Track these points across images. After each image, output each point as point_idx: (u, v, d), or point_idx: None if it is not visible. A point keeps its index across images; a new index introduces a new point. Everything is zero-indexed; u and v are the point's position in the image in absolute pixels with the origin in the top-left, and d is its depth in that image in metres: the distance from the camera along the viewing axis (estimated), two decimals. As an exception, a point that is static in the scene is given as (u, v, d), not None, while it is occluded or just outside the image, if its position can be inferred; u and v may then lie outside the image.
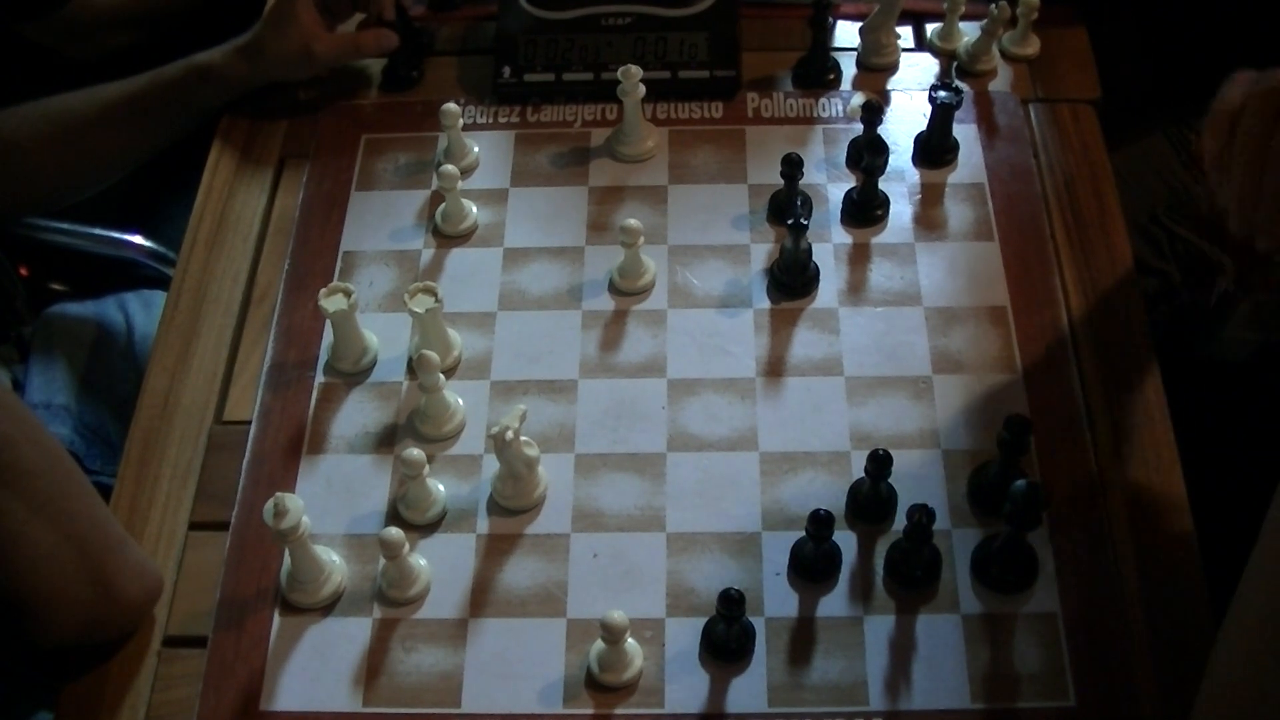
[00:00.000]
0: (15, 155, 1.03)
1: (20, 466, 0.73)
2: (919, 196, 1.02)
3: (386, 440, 0.91)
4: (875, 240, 1.00)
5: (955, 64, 1.12)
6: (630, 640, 0.79)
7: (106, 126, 1.05)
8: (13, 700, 0.94)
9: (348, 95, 1.12)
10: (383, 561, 0.82)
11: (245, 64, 1.07)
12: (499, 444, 0.82)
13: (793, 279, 0.96)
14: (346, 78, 1.13)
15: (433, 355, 0.86)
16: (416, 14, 1.16)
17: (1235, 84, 0.70)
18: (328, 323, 0.95)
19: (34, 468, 0.73)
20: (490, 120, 1.10)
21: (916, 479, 0.86)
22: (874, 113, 0.98)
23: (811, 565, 0.83)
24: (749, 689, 0.79)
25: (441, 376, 0.87)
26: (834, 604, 0.82)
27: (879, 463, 0.81)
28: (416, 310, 0.89)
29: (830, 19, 1.11)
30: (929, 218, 1.01)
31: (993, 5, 1.07)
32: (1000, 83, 1.10)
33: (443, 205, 1.01)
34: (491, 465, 0.88)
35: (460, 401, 0.91)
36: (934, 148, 1.04)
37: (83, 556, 0.77)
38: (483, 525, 0.87)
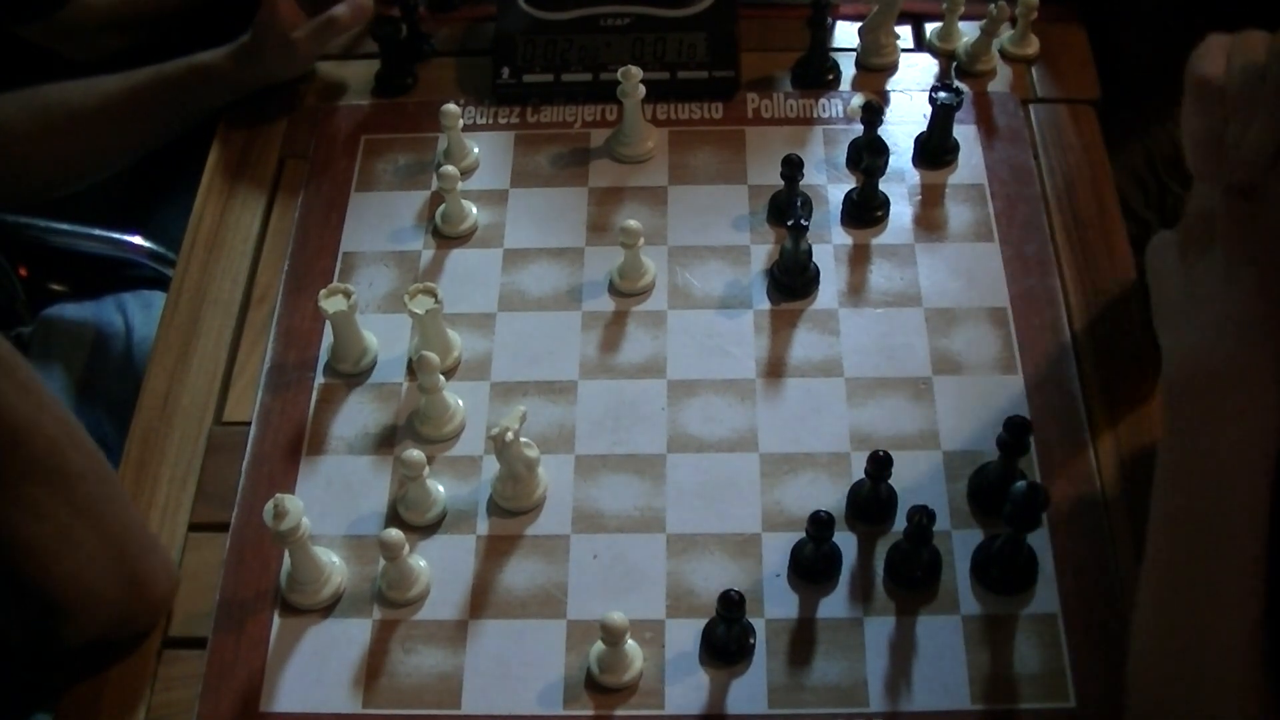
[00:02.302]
0: (9, 142, 1.02)
1: (67, 470, 0.73)
2: (919, 197, 1.02)
3: (386, 441, 0.91)
4: (875, 241, 1.00)
5: (954, 64, 1.12)
6: (630, 641, 0.79)
7: (104, 120, 1.05)
8: (13, 700, 0.94)
9: (347, 96, 1.12)
10: (382, 563, 0.82)
11: (240, 66, 1.07)
12: (499, 445, 0.82)
13: (793, 280, 0.96)
14: (346, 79, 1.13)
15: (433, 356, 0.86)
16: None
17: (1210, 54, 0.66)
18: (327, 324, 0.95)
19: (79, 471, 0.74)
20: (490, 121, 1.10)
21: (917, 480, 0.86)
22: (874, 113, 0.98)
23: (811, 566, 0.83)
24: (749, 690, 0.79)
25: (441, 377, 0.87)
26: (834, 605, 0.82)
27: (879, 464, 0.81)
28: (416, 311, 0.89)
29: (829, 19, 1.11)
30: (929, 218, 1.01)
31: (992, 5, 1.07)
32: (999, 83, 1.10)
33: (442, 206, 1.01)
34: (491, 466, 0.88)
35: (460, 402, 0.91)
36: (934, 148, 1.04)
37: (120, 559, 0.77)
38: (483, 526, 0.87)
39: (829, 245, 0.99)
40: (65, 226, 1.25)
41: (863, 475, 0.84)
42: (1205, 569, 0.66)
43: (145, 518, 0.88)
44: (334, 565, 0.84)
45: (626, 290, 0.97)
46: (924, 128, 1.04)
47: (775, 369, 0.93)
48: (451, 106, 1.02)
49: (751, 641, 0.80)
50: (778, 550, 0.84)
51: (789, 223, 0.92)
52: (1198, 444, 0.67)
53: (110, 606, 0.78)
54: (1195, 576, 0.67)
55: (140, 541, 0.80)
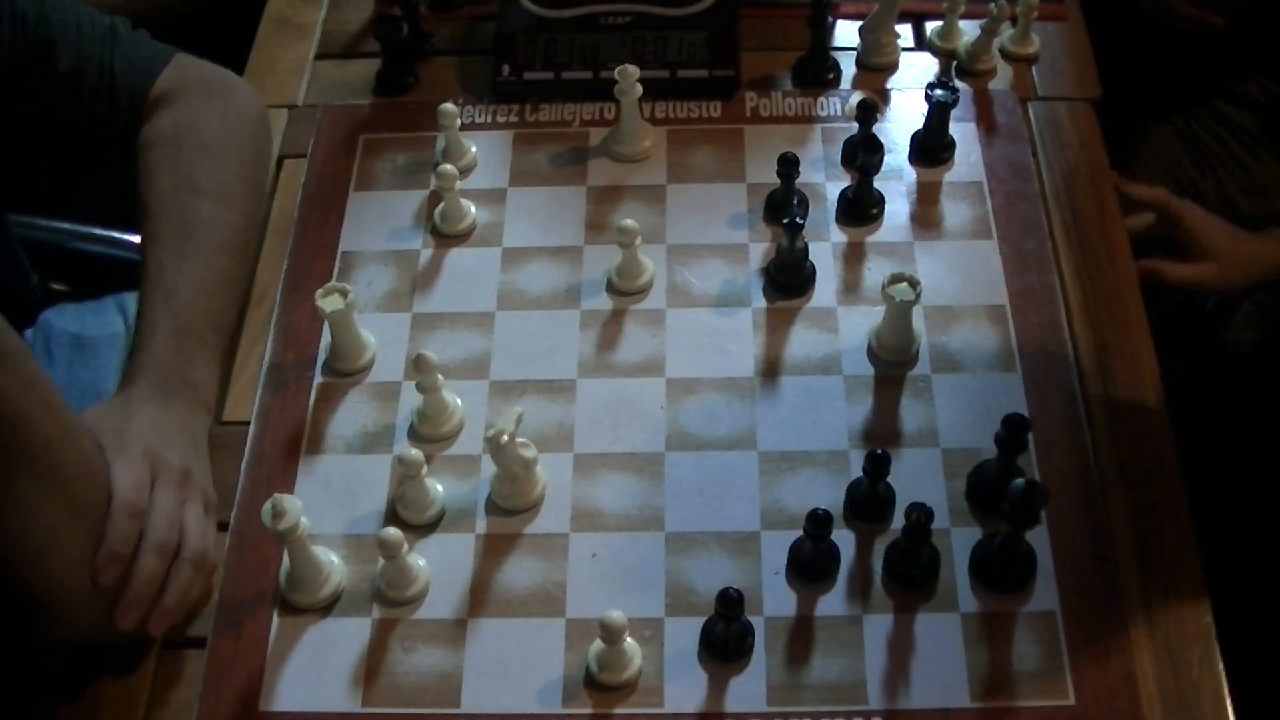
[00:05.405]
0: None
1: (60, 470, 0.73)
2: (916, 195, 1.02)
3: (385, 440, 0.91)
4: (873, 239, 1.00)
5: (955, 63, 1.11)
6: (629, 640, 0.79)
7: None
8: (13, 700, 0.94)
9: (347, 95, 1.12)
10: (381, 562, 0.82)
11: None
12: (495, 447, 0.82)
13: (790, 278, 0.96)
14: (346, 78, 1.13)
15: (431, 356, 0.86)
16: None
17: None
18: (326, 322, 0.95)
19: (73, 472, 0.74)
20: (488, 120, 1.10)
21: (915, 478, 0.86)
22: (868, 111, 0.98)
23: (810, 565, 0.83)
24: (748, 688, 0.79)
25: (440, 376, 0.87)
26: (833, 603, 0.82)
27: (877, 462, 0.81)
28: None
29: (829, 18, 1.11)
30: (927, 216, 1.01)
31: (992, 4, 1.07)
32: (1000, 82, 1.10)
33: (441, 205, 1.01)
34: (490, 465, 0.88)
35: (459, 401, 0.91)
36: (930, 146, 1.04)
37: None
38: (481, 525, 0.87)
39: (826, 243, 0.99)
40: (65, 226, 1.25)
41: (861, 473, 0.84)
42: None
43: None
44: (333, 564, 0.84)
45: (625, 289, 0.97)
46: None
47: (773, 367, 0.93)
48: (449, 106, 1.02)
49: (750, 640, 0.80)
50: (776, 548, 0.84)
51: (784, 221, 0.92)
52: None
53: (96, 608, 0.77)
54: None
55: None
